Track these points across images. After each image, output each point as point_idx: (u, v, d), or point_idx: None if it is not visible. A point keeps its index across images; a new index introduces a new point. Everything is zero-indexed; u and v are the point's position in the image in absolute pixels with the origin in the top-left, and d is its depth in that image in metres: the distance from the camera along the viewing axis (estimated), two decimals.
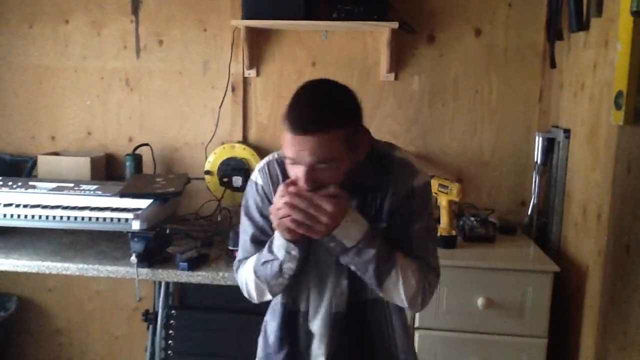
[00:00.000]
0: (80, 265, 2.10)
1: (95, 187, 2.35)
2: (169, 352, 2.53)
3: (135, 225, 2.08)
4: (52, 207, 2.18)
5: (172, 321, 2.54)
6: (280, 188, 1.23)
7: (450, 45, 2.56)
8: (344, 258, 1.27)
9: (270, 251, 1.31)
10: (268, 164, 1.41)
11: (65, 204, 2.20)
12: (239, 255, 1.45)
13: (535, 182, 2.47)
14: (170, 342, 2.53)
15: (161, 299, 2.53)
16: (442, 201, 2.25)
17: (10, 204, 2.21)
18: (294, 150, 1.19)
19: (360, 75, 2.60)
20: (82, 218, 2.15)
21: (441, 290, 2.09)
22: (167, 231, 2.25)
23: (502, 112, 2.57)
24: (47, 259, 2.14)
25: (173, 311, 2.55)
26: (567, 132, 2.28)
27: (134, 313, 2.81)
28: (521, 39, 2.52)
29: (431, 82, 2.58)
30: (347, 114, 1.24)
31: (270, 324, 1.47)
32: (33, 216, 2.17)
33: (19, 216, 2.18)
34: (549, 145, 2.42)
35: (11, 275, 2.54)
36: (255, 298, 1.40)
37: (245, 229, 1.43)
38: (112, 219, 2.14)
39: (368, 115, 2.57)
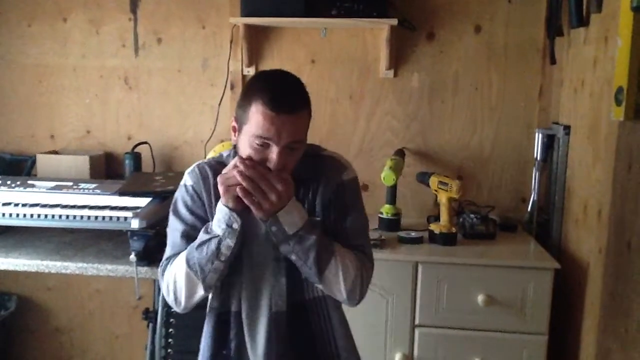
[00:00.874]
0: (80, 264, 2.10)
1: (94, 185, 2.34)
2: (169, 350, 2.53)
3: (135, 224, 2.07)
4: (52, 206, 2.17)
5: (172, 319, 2.53)
6: (235, 160, 1.25)
7: (450, 42, 2.55)
8: (284, 246, 1.29)
9: (208, 232, 1.31)
10: (197, 166, 1.43)
11: (65, 203, 2.19)
12: (167, 253, 1.42)
13: (535, 178, 2.47)
14: (170, 340, 2.53)
15: (161, 297, 2.52)
16: (442, 198, 2.24)
17: (10, 203, 2.20)
18: (272, 130, 1.22)
19: (360, 73, 2.60)
20: (82, 217, 2.14)
21: (441, 288, 2.09)
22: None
23: (502, 108, 2.57)
24: (46, 258, 2.13)
25: (173, 310, 2.54)
26: (567, 128, 2.27)
27: (134, 312, 2.81)
28: (521, 36, 2.52)
29: (431, 79, 2.58)
30: (309, 100, 1.31)
31: (204, 331, 1.44)
32: (32, 215, 2.16)
33: (18, 215, 2.17)
34: (549, 142, 2.41)
35: (11, 274, 2.54)
36: (184, 296, 1.35)
37: (175, 228, 1.41)
38: (111, 217, 2.13)
39: (368, 112, 2.60)
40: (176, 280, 1.35)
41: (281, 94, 1.24)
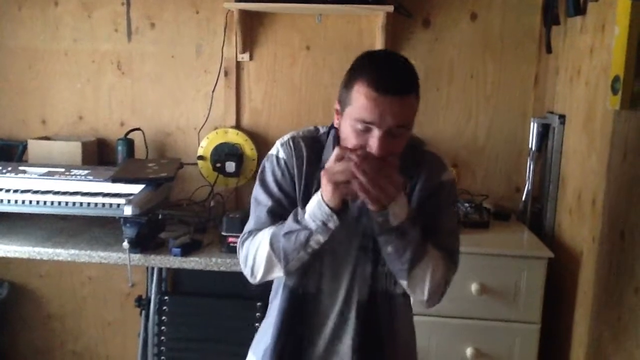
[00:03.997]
0: (72, 251, 2.09)
1: (86, 172, 2.32)
2: (162, 337, 2.53)
3: (128, 211, 2.06)
4: (43, 192, 2.16)
5: (164, 307, 2.53)
6: (337, 152, 1.17)
7: (445, 29, 2.53)
8: (385, 237, 1.23)
9: (297, 221, 1.24)
10: (292, 138, 1.36)
11: (57, 189, 2.18)
12: (250, 226, 1.38)
13: (529, 168, 2.47)
14: (163, 327, 2.53)
15: (154, 284, 2.52)
16: None
17: (1, 189, 2.18)
18: (376, 112, 1.15)
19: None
20: (74, 203, 2.13)
21: None
22: (160, 217, 2.23)
23: (497, 97, 2.56)
24: (38, 244, 2.13)
25: (166, 297, 2.54)
26: (562, 117, 2.27)
27: (126, 299, 2.80)
28: (517, 24, 2.50)
29: (426, 67, 2.56)
30: (418, 83, 1.23)
31: (275, 308, 1.40)
32: (24, 201, 2.14)
33: (9, 201, 2.15)
34: (544, 131, 2.41)
35: (2, 261, 2.52)
36: (260, 273, 1.32)
37: (261, 201, 1.36)
38: (104, 204, 2.12)
39: None
40: (256, 257, 1.32)
41: (387, 74, 1.17)
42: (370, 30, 2.55)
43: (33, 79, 2.75)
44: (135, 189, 2.17)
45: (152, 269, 2.53)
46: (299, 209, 1.26)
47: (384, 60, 1.23)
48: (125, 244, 2.03)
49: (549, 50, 2.38)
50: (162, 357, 2.53)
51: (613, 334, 1.69)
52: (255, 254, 1.32)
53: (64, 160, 2.53)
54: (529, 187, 2.47)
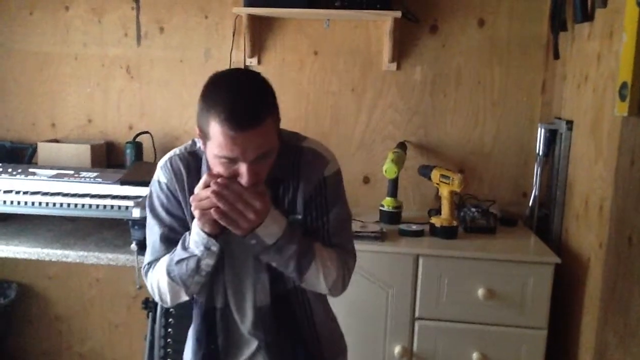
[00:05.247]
0: (81, 253, 2.11)
1: (95, 174, 2.34)
2: (169, 340, 2.53)
3: (136, 213, 2.07)
4: (53, 194, 2.18)
5: (171, 309, 2.54)
6: (205, 179, 1.17)
7: (453, 35, 2.54)
8: (264, 256, 1.25)
9: (185, 248, 1.25)
10: (170, 160, 1.34)
11: (66, 191, 2.20)
12: (148, 257, 1.38)
13: (537, 173, 2.47)
14: (169, 330, 2.53)
15: None
16: (444, 192, 2.24)
17: (11, 191, 2.20)
18: (237, 150, 1.12)
19: (363, 65, 2.59)
20: (83, 205, 2.15)
21: (442, 281, 2.09)
22: None
23: (505, 103, 2.56)
24: (47, 246, 2.14)
25: None
26: (569, 123, 2.27)
27: (134, 301, 2.82)
28: (524, 30, 2.51)
29: (433, 73, 2.57)
30: (273, 99, 1.21)
31: (192, 327, 1.45)
32: (33, 203, 2.16)
33: (19, 203, 2.17)
34: (551, 137, 2.41)
35: (11, 262, 2.54)
36: (169, 301, 1.34)
37: (153, 229, 1.36)
38: (112, 206, 2.14)
39: (370, 105, 2.60)
40: (160, 287, 1.34)
41: (241, 108, 1.11)
42: (378, 36, 2.56)
43: (43, 83, 2.77)
44: (144, 191, 2.18)
45: None
46: (187, 235, 1.27)
47: (235, 90, 1.16)
48: (133, 246, 2.04)
49: (556, 56, 2.38)
50: None
51: (620, 339, 1.68)
52: (159, 284, 1.34)
53: (73, 162, 2.55)
54: (536, 193, 2.47)
